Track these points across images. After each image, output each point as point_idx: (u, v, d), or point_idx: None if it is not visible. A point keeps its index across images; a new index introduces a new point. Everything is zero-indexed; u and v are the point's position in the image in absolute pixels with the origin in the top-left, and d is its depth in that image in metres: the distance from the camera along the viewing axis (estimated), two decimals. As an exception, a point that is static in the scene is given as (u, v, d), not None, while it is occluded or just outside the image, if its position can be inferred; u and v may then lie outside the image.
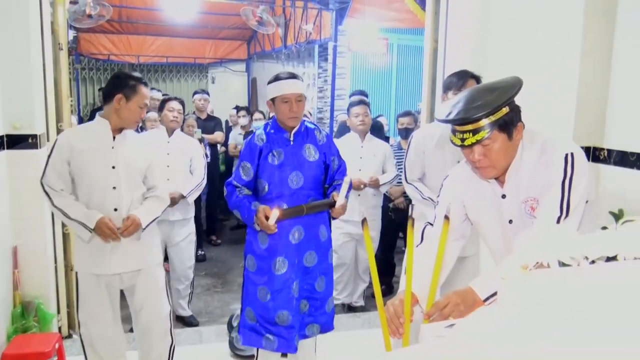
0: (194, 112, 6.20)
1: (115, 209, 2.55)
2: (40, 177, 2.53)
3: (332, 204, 2.60)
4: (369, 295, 4.56)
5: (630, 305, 0.89)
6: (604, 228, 1.10)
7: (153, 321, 2.72)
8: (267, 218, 2.46)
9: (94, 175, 2.51)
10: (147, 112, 5.10)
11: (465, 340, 1.10)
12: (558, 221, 1.59)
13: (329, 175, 2.75)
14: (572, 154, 1.64)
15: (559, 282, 1.08)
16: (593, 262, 1.06)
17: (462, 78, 2.82)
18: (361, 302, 4.35)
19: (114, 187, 2.53)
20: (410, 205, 2.09)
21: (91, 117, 5.99)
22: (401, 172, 3.23)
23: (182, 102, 4.02)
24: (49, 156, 2.53)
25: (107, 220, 2.47)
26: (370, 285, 4.63)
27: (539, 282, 1.06)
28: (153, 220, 2.64)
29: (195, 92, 6.38)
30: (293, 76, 2.69)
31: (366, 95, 5.10)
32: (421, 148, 3.04)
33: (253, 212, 2.52)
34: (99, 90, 8.77)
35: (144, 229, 2.58)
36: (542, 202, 1.67)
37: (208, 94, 6.26)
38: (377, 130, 4.87)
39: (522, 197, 1.71)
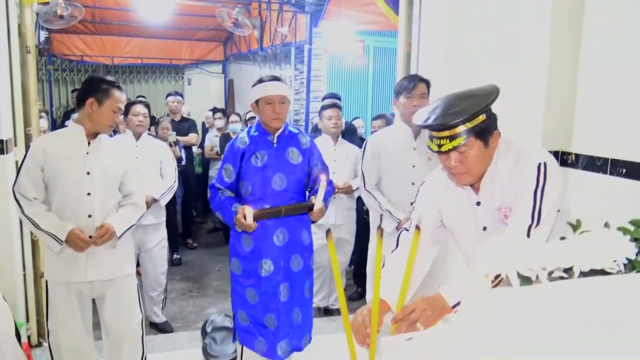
0: (167, 115, 6.15)
1: (90, 215, 2.51)
2: (12, 184, 2.49)
3: (311, 207, 2.61)
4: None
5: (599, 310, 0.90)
6: (563, 238, 1.12)
7: (124, 330, 2.68)
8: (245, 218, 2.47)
9: (68, 181, 2.47)
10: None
11: (429, 350, 1.11)
12: (529, 230, 1.62)
13: (311, 179, 2.76)
14: (545, 163, 1.66)
15: (524, 292, 1.10)
16: (551, 272, 1.07)
17: (412, 81, 2.87)
18: (337, 305, 4.35)
19: (89, 193, 2.50)
20: (380, 215, 2.11)
21: (64, 119, 5.90)
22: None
23: (147, 105, 3.97)
24: (22, 163, 2.49)
25: (78, 232, 2.43)
26: (346, 288, 4.65)
27: (502, 291, 1.07)
28: (128, 229, 2.61)
29: (169, 94, 6.33)
30: (276, 78, 2.73)
31: (339, 99, 5.10)
32: (376, 152, 3.07)
33: (234, 213, 2.52)
34: (72, 92, 8.63)
35: (120, 237, 2.54)
36: (513, 210, 1.69)
37: (182, 95, 6.21)
38: (350, 133, 4.88)
39: (495, 205, 1.73)
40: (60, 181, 2.47)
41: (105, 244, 2.51)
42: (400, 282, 1.61)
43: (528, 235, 1.59)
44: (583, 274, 1.02)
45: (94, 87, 2.51)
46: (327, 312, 4.30)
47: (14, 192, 2.48)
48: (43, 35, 8.05)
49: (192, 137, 6.10)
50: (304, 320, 2.75)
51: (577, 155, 2.70)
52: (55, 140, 2.55)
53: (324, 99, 5.15)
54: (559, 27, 2.72)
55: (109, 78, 2.61)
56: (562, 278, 1.06)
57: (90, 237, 2.47)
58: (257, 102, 2.67)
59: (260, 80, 2.70)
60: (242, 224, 2.48)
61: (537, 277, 1.08)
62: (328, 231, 1.28)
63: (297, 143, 2.72)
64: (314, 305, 4.19)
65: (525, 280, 1.08)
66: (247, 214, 2.44)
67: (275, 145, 2.67)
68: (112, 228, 2.50)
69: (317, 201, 2.58)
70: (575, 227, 1.10)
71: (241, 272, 2.68)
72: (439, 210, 1.87)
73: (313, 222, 2.71)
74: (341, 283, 1.45)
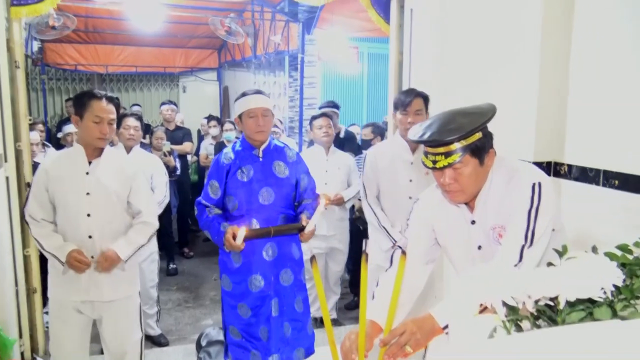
0: (162, 124, 6.14)
1: (90, 236, 2.50)
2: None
3: (301, 229, 2.59)
4: (341, 307, 4.55)
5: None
6: (550, 264, 1.10)
7: (123, 348, 2.67)
8: (234, 237, 2.45)
9: (68, 202, 2.47)
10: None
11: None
12: (522, 251, 1.60)
13: (298, 192, 2.74)
14: (539, 183, 1.64)
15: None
16: (537, 301, 1.06)
17: (408, 97, 2.86)
18: (334, 315, 4.34)
19: (88, 214, 2.48)
20: (364, 240, 2.10)
21: (58, 129, 5.88)
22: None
23: (139, 118, 3.95)
24: (32, 185, 2.54)
25: (76, 254, 2.42)
26: (342, 297, 4.63)
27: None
28: (136, 251, 2.58)
29: (163, 103, 6.32)
30: (258, 92, 2.72)
31: (337, 107, 5.08)
32: (374, 165, 3.06)
33: (222, 233, 2.51)
34: (66, 101, 8.60)
35: (126, 261, 2.53)
36: (507, 230, 1.67)
37: (175, 104, 6.20)
38: (350, 140, 4.87)
39: (490, 224, 1.71)
40: (62, 202, 2.48)
41: (105, 271, 2.49)
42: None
43: (521, 257, 1.57)
44: (569, 303, 1.01)
45: (76, 103, 2.50)
46: (320, 322, 4.28)
47: (24, 213, 2.52)
48: (36, 45, 8.04)
49: (187, 146, 6.08)
50: (294, 334, 2.73)
51: (569, 166, 2.69)
52: (59, 161, 2.55)
53: (320, 107, 5.13)
54: (549, 37, 2.71)
55: (95, 91, 2.55)
56: (548, 306, 1.05)
57: (92, 257, 2.46)
58: (240, 116, 2.67)
59: (243, 94, 2.69)
60: (230, 245, 2.47)
61: (524, 305, 1.07)
62: (312, 258, 1.27)
63: (284, 156, 2.71)
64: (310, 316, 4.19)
65: (511, 309, 1.06)
66: (237, 234, 2.43)
67: (260, 159, 2.65)
68: (114, 255, 2.48)
69: (310, 223, 2.57)
70: (562, 253, 1.08)
71: (232, 288, 2.67)
72: (433, 228, 1.85)
73: (302, 241, 2.70)
74: (326, 305, 1.44)
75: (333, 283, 4.28)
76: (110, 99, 2.52)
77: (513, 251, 1.60)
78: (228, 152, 2.68)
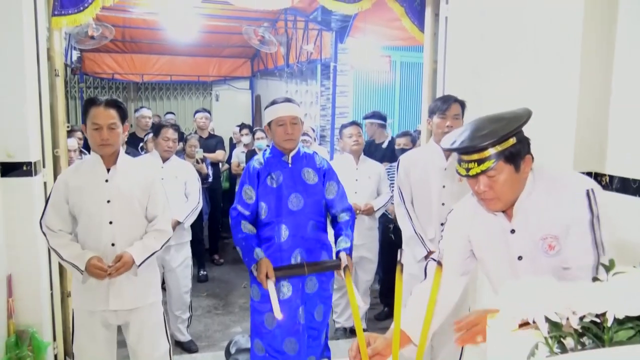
0: (195, 132, 6.21)
1: (113, 244, 2.49)
2: (40, 206, 2.53)
3: (336, 266, 2.58)
4: (371, 317, 4.49)
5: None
6: (595, 279, 1.05)
7: (149, 359, 2.65)
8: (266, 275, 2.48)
9: (89, 211, 2.47)
10: (147, 133, 5.10)
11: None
12: (596, 266, 1.52)
13: (327, 200, 2.72)
14: (592, 190, 1.57)
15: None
16: (582, 318, 1.00)
17: (446, 102, 2.82)
18: (363, 325, 4.28)
19: (110, 222, 2.48)
20: (399, 250, 2.04)
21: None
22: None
23: (177, 129, 4.00)
24: (49, 196, 2.53)
25: (95, 261, 2.40)
26: (372, 307, 4.57)
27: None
28: (150, 256, 2.54)
29: (197, 111, 6.40)
30: (288, 100, 2.73)
31: (384, 118, 4.99)
32: (407, 171, 3.02)
33: (254, 260, 2.52)
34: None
35: (139, 265, 2.50)
36: (569, 247, 1.58)
37: (209, 112, 6.26)
38: (392, 150, 4.81)
39: (539, 234, 1.63)
40: (83, 212, 2.48)
41: (125, 272, 2.47)
42: (423, 315, 1.55)
43: (596, 271, 1.50)
44: (617, 321, 0.95)
45: (82, 112, 2.52)
46: (353, 332, 4.22)
47: (40, 224, 2.51)
48: (75, 54, 8.26)
49: (219, 154, 6.13)
50: (308, 343, 2.71)
51: (611, 177, 2.60)
52: (78, 171, 2.55)
53: (365, 117, 5.07)
54: (590, 42, 2.63)
55: (97, 97, 2.51)
56: (593, 323, 0.99)
57: (110, 266, 2.44)
58: (269, 124, 2.68)
59: (273, 102, 2.70)
60: (260, 280, 2.49)
61: (567, 321, 1.01)
62: (345, 267, 1.24)
63: (313, 163, 2.70)
64: (338, 325, 4.15)
65: (554, 325, 1.01)
66: (269, 282, 2.45)
67: (290, 165, 2.65)
68: (130, 258, 2.45)
69: (343, 260, 2.56)
70: (609, 267, 1.03)
71: (260, 297, 2.65)
72: (469, 238, 1.80)
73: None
74: (359, 314, 1.40)
75: (362, 292, 4.23)
76: (111, 103, 2.46)
77: (585, 272, 1.51)
78: (258, 158, 2.70)
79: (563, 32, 2.76)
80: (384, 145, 4.86)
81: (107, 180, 2.49)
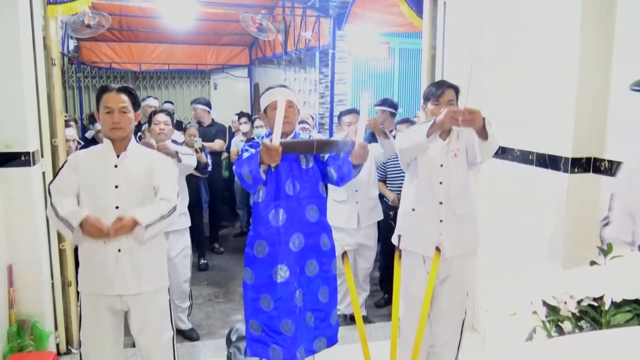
0: (197, 122, 6.18)
1: (117, 207, 2.46)
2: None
3: (350, 146, 2.49)
4: (370, 305, 4.51)
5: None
6: (593, 263, 1.05)
7: (153, 346, 2.64)
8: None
9: (96, 195, 2.46)
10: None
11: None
12: None
13: (325, 162, 2.71)
14: None
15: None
16: (580, 301, 1.01)
17: (440, 88, 2.80)
18: (363, 312, 4.29)
19: (117, 207, 2.46)
20: (398, 237, 2.04)
21: (90, 123, 5.99)
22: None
23: (169, 114, 3.96)
24: (59, 169, 2.53)
25: (93, 219, 2.32)
26: (372, 294, 4.59)
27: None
28: (157, 221, 2.43)
29: (194, 101, 6.34)
30: (282, 85, 2.80)
31: (394, 106, 4.86)
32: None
33: (257, 154, 2.45)
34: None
35: (147, 228, 2.39)
36: None
37: (208, 104, 6.20)
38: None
39: None
40: (90, 195, 2.47)
41: (131, 250, 2.44)
42: None
43: None
44: (615, 304, 0.96)
45: (95, 100, 2.53)
46: (353, 319, 4.24)
47: (49, 189, 2.47)
48: (72, 43, 8.22)
49: (217, 144, 6.11)
50: (315, 324, 2.71)
51: (610, 162, 2.60)
52: (89, 156, 2.54)
53: (376, 105, 4.96)
54: (590, 29, 2.62)
55: (111, 85, 2.54)
56: (591, 307, 1.00)
57: (119, 250, 2.44)
58: (265, 110, 2.69)
59: (267, 89, 2.75)
60: (267, 149, 2.39)
61: (565, 305, 1.02)
62: (344, 254, 1.24)
63: None
64: (339, 312, 4.16)
65: (552, 309, 1.01)
66: (274, 136, 2.38)
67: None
68: (131, 220, 2.35)
69: (358, 136, 2.48)
70: (606, 251, 1.03)
71: (254, 280, 2.66)
72: None
73: (357, 166, 2.56)
74: (357, 302, 1.41)
75: (362, 280, 4.24)
76: (122, 89, 2.51)
77: None
78: (258, 140, 2.70)
79: (563, 18, 2.74)
80: (393, 134, 4.81)
81: (116, 166, 2.49)
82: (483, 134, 2.58)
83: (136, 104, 2.57)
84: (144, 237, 2.41)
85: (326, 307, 2.74)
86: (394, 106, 4.80)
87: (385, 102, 4.77)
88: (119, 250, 2.47)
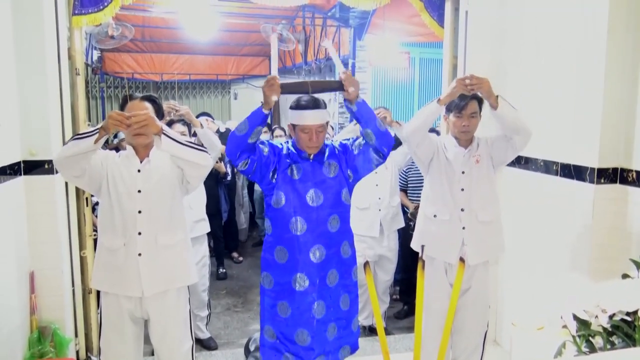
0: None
1: (140, 233, 2.48)
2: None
3: (341, 85, 2.43)
4: (390, 316, 4.46)
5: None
6: (626, 276, 1.01)
7: (173, 356, 2.62)
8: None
9: (120, 200, 2.47)
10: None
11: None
12: None
13: (357, 154, 2.63)
14: None
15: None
16: (612, 316, 0.97)
17: (465, 99, 2.76)
18: (383, 324, 4.24)
19: (140, 211, 2.47)
20: (421, 247, 2.01)
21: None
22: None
23: (186, 123, 3.97)
24: None
25: (115, 113, 2.30)
26: (391, 305, 4.54)
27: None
28: (176, 141, 2.38)
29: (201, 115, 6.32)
30: (316, 105, 2.51)
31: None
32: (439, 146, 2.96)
33: (260, 108, 2.44)
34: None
35: (162, 134, 2.33)
36: None
37: (209, 115, 6.16)
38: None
39: None
40: (113, 198, 2.48)
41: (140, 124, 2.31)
42: None
43: None
44: (649, 319, 0.92)
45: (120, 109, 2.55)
46: (372, 330, 4.20)
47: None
48: (95, 54, 8.36)
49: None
50: (339, 333, 2.66)
51: (638, 173, 2.53)
52: (114, 163, 2.54)
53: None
54: (616, 36, 2.57)
55: (134, 94, 2.59)
56: (624, 322, 0.96)
57: (139, 254, 2.44)
58: (293, 125, 2.58)
59: (299, 105, 2.54)
60: (267, 79, 2.37)
61: (596, 319, 0.98)
62: (366, 264, 1.22)
63: (333, 154, 2.65)
64: (358, 324, 4.11)
65: (582, 323, 0.98)
66: (272, 68, 2.40)
67: (311, 160, 2.60)
68: (154, 119, 2.33)
69: (338, 66, 2.48)
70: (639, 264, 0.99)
71: (273, 285, 2.61)
72: None
73: (349, 100, 2.47)
74: (379, 310, 1.38)
75: (382, 292, 4.19)
76: (146, 98, 2.56)
77: None
78: (287, 145, 2.63)
79: (588, 25, 2.70)
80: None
81: (139, 171, 2.51)
82: (494, 103, 2.61)
83: (159, 112, 2.60)
84: (160, 143, 2.36)
85: (347, 315, 2.69)
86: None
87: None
88: (140, 255, 2.47)
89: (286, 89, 2.44)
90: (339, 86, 2.44)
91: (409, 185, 4.40)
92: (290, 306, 2.57)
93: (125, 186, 2.49)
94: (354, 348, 2.75)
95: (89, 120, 3.76)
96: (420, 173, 4.31)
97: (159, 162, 2.56)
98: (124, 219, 2.47)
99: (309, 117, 2.50)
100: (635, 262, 1.01)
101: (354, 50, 5.10)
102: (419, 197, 4.23)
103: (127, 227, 2.48)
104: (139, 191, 2.49)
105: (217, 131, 5.95)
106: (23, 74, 3.01)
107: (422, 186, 4.23)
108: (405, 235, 4.30)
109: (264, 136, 6.23)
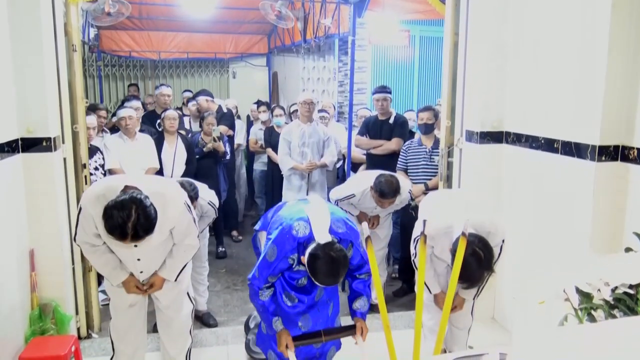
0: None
1: (142, 272, 2.62)
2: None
3: (354, 331, 2.56)
4: (389, 294, 4.48)
5: None
6: (628, 249, 1.00)
7: (174, 318, 2.79)
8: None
9: (117, 251, 2.53)
10: (164, 110, 5.08)
11: None
12: None
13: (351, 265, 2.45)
14: None
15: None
16: (614, 289, 0.97)
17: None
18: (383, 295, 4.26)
19: (138, 259, 2.55)
20: (423, 221, 2.00)
21: (114, 115, 6.00)
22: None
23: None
24: (77, 217, 2.45)
25: (131, 279, 2.58)
26: (390, 284, 4.56)
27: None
28: (183, 268, 2.68)
29: (194, 96, 6.26)
30: (334, 274, 2.20)
31: (389, 91, 4.95)
32: None
33: (273, 331, 2.53)
34: (129, 86, 8.92)
35: (176, 279, 2.67)
36: None
37: (209, 94, 6.07)
38: (400, 125, 4.75)
39: None
40: (111, 249, 2.54)
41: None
42: None
43: None
44: (652, 292, 0.91)
45: None
46: (373, 307, 4.22)
47: (75, 240, 2.53)
48: (92, 32, 8.26)
49: (221, 128, 5.82)
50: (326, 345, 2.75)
51: (639, 150, 2.52)
52: (102, 204, 2.29)
53: (374, 93, 5.00)
54: (619, 12, 2.54)
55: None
56: (626, 295, 0.96)
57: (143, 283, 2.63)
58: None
59: (315, 270, 2.25)
60: (281, 350, 2.49)
61: (599, 292, 0.98)
62: (367, 238, 1.21)
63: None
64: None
65: (585, 296, 0.97)
66: (289, 343, 2.46)
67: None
68: (160, 281, 2.64)
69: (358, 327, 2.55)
70: (643, 237, 0.99)
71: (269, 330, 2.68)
72: None
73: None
74: (381, 286, 1.38)
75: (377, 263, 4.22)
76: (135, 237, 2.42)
77: None
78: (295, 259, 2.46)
79: (591, 3, 2.66)
80: (391, 121, 4.79)
81: (136, 245, 2.37)
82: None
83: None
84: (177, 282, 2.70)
85: (332, 319, 2.75)
86: (389, 90, 4.89)
87: (384, 89, 4.88)
88: (138, 260, 2.56)
89: (300, 343, 2.53)
90: (351, 333, 2.57)
91: (408, 165, 4.38)
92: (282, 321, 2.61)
93: (124, 256, 2.56)
94: (338, 346, 2.84)
95: (87, 98, 3.73)
96: (419, 152, 4.30)
97: (154, 235, 2.38)
98: (124, 262, 2.59)
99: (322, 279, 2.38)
100: (637, 234, 1.00)
101: (354, 27, 5.03)
102: (419, 176, 4.25)
103: (127, 265, 2.60)
104: (138, 259, 2.56)
105: (219, 110, 5.90)
106: (19, 50, 2.97)
107: (421, 165, 4.24)
108: (405, 213, 4.29)
109: (263, 116, 6.19)
